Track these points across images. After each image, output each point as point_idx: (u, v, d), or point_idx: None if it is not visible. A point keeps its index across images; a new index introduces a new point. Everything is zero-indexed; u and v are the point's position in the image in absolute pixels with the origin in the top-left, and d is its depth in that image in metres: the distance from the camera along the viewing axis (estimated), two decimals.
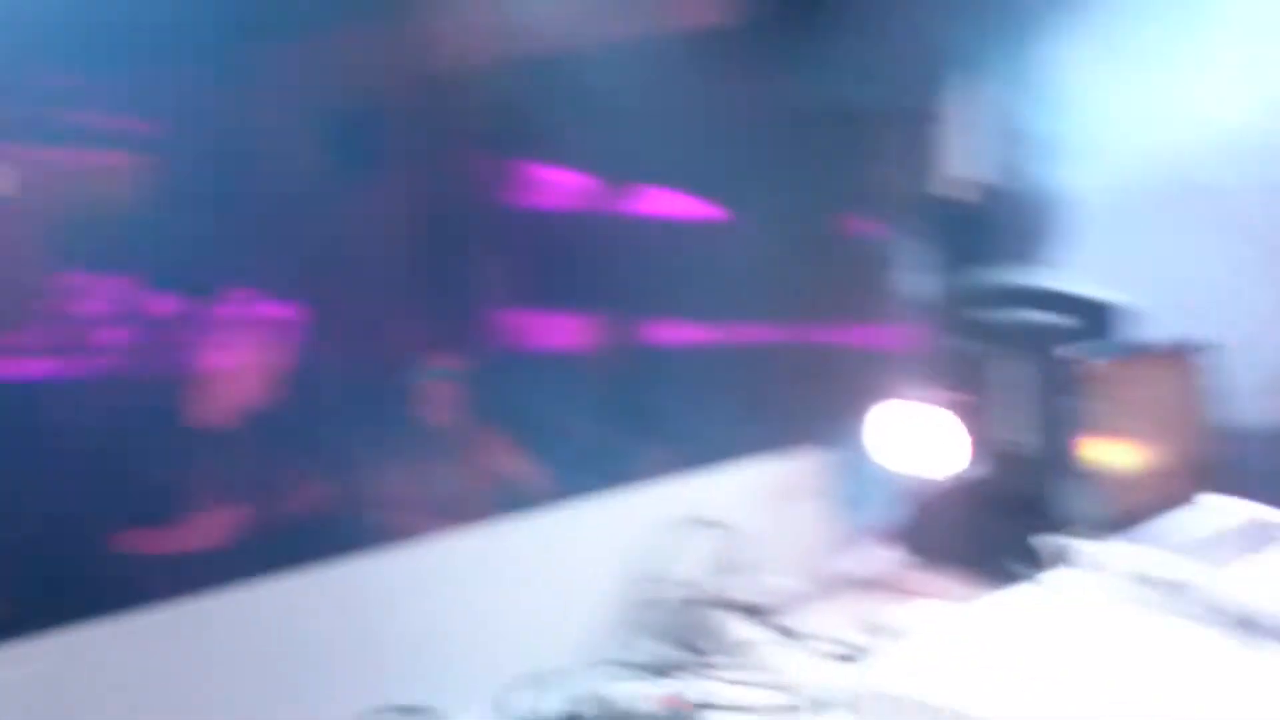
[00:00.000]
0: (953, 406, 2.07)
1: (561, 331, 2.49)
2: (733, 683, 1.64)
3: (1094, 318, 2.06)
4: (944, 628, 1.49)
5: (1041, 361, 1.88)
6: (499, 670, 1.54)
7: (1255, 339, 2.38)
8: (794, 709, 1.55)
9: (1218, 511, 1.80)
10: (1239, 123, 2.47)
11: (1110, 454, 1.68)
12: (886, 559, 2.21)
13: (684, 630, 1.75)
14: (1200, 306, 2.36)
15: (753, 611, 1.78)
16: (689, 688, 1.60)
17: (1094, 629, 1.49)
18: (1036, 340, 1.95)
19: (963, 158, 3.08)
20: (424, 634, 1.55)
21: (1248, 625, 1.48)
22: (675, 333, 2.59)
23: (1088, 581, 1.64)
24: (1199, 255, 2.57)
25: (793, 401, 2.31)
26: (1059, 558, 1.71)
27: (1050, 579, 1.68)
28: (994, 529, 1.99)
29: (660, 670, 1.67)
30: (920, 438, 2.10)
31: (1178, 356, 1.85)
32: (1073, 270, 2.74)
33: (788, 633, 1.72)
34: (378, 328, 2.22)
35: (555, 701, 1.49)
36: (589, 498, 1.83)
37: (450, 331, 2.36)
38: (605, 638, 1.73)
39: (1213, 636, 1.46)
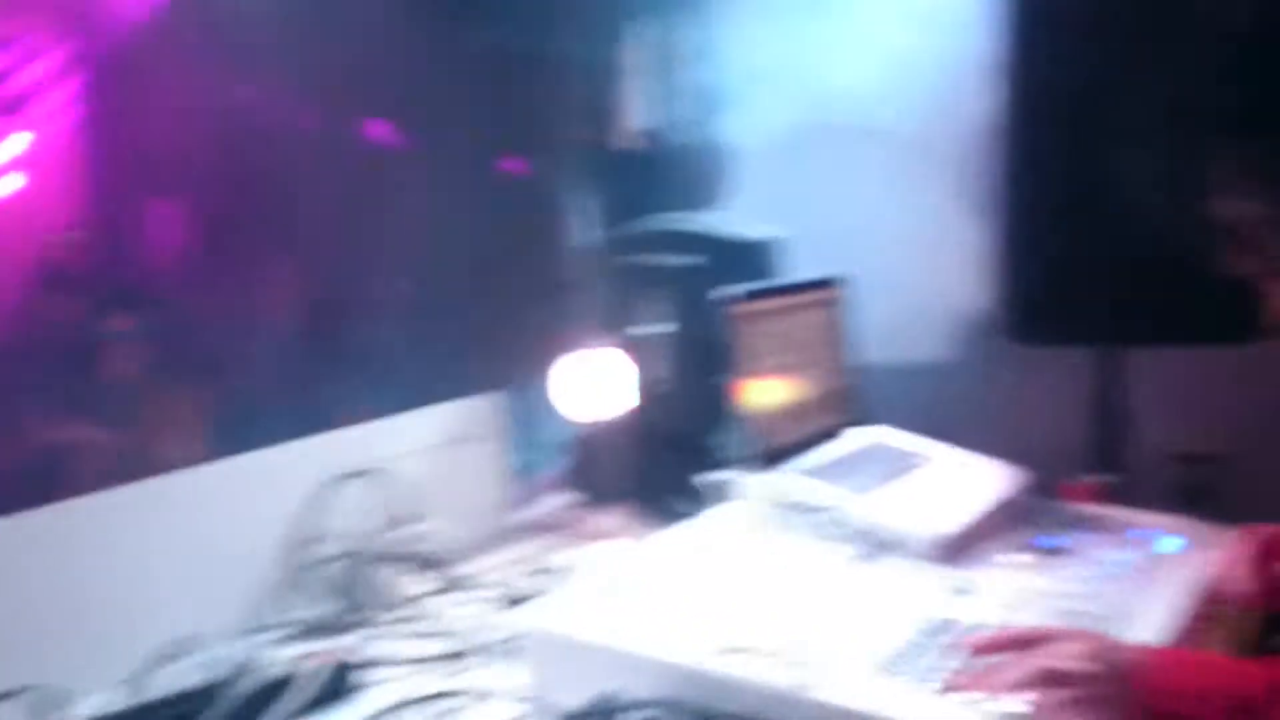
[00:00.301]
0: (615, 349, 2.10)
1: (242, 282, 2.35)
2: (398, 637, 1.60)
3: (751, 259, 2.14)
4: (606, 568, 1.50)
5: (695, 303, 1.94)
6: (142, 642, 1.42)
7: (899, 276, 2.55)
8: (459, 657, 1.53)
9: (862, 442, 1.91)
10: (894, 65, 2.63)
11: (760, 391, 1.74)
12: (558, 502, 2.22)
13: (347, 587, 1.69)
14: (851, 245, 2.51)
15: (420, 563, 1.74)
16: (351, 646, 1.55)
17: (747, 558, 1.55)
18: (691, 282, 2.01)
19: (633, 105, 3.13)
20: (57, 605, 1.41)
21: (885, 545, 1.58)
22: (357, 281, 2.50)
23: (744, 514, 1.70)
24: (852, 195, 2.73)
25: (465, 346, 2.28)
26: (718, 493, 1.76)
27: (710, 514, 1.74)
28: (658, 469, 2.04)
29: (321, 631, 1.61)
30: (587, 381, 2.12)
31: (821, 294, 1.94)
32: (735, 213, 2.85)
33: (456, 582, 1.69)
34: (53, 287, 2.03)
35: (198, 672, 1.39)
36: (250, 453, 1.72)
37: (128, 286, 2.19)
38: (264, 600, 1.64)
39: (852, 555, 1.55)
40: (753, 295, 1.74)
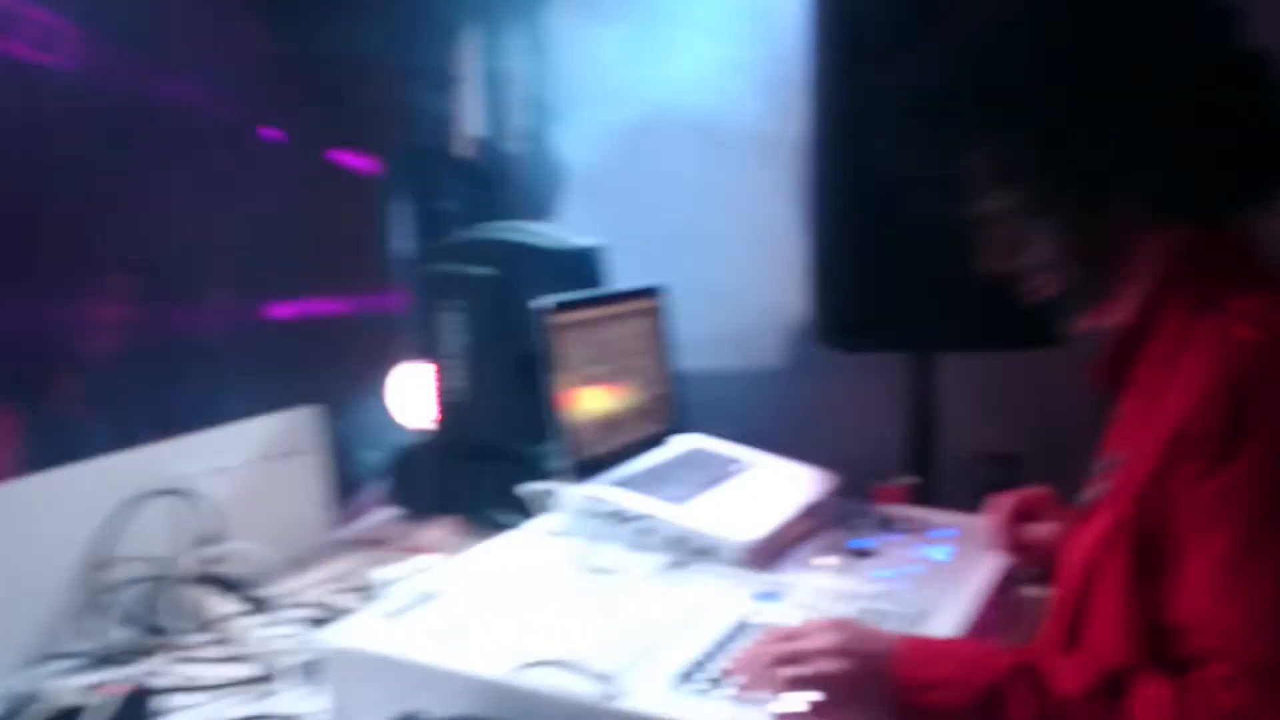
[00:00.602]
0: (430, 362, 2.08)
1: (41, 289, 2.23)
2: (202, 661, 1.55)
3: (573, 267, 2.14)
4: (415, 583, 1.48)
5: (508, 313, 1.94)
6: None
7: (719, 284, 2.59)
8: (266, 680, 1.49)
9: (681, 450, 1.94)
10: (719, 76, 2.67)
11: (579, 401, 1.75)
12: (380, 517, 2.19)
13: (149, 610, 1.62)
14: (674, 254, 2.54)
15: (227, 583, 1.68)
16: (151, 671, 1.49)
17: (560, 570, 1.55)
18: (504, 292, 2.00)
19: (467, 114, 3.11)
20: None
21: (697, 552, 1.60)
22: (170, 290, 2.40)
23: (560, 525, 1.70)
24: (676, 205, 2.77)
25: (285, 360, 2.22)
26: (539, 504, 1.76)
27: (529, 526, 1.73)
28: (480, 480, 2.03)
29: (120, 657, 1.54)
30: (408, 394, 2.09)
31: (641, 303, 1.95)
32: (563, 222, 2.85)
33: (265, 603, 1.64)
34: None
35: None
36: (47, 471, 1.64)
37: None
38: (59, 626, 1.57)
39: (665, 563, 1.57)
40: (570, 305, 1.74)
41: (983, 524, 1.69)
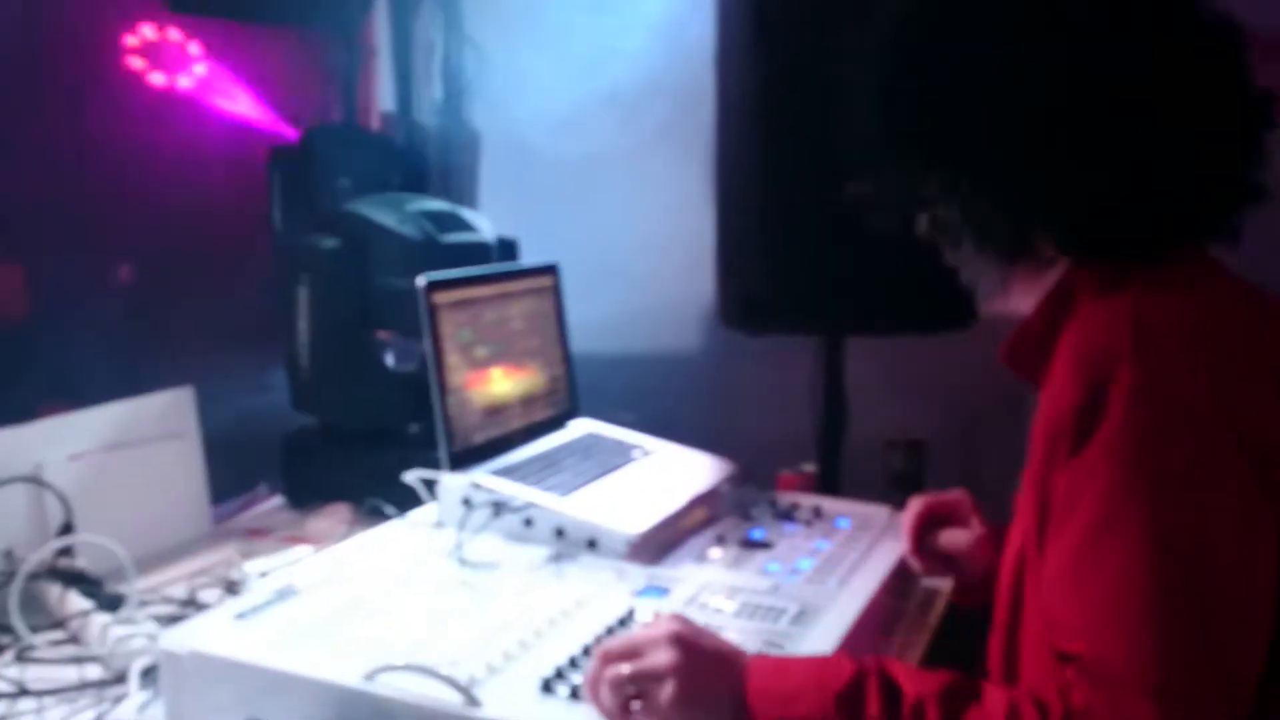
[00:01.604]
0: (295, 340, 1.97)
1: None
2: (48, 662, 1.45)
3: (472, 248, 2.05)
4: (279, 579, 1.39)
5: (366, 289, 1.85)
6: None
7: (623, 266, 2.52)
8: (115, 684, 1.39)
9: (574, 436, 1.86)
10: (636, 49, 2.60)
11: (466, 383, 1.66)
12: (265, 506, 2.09)
13: None
14: (579, 236, 2.46)
15: (82, 579, 1.57)
16: None
17: (434, 564, 1.46)
18: (359, 267, 1.91)
19: (377, 88, 3.01)
20: None
21: (582, 544, 1.52)
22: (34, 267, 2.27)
23: (441, 515, 1.61)
24: (585, 188, 2.69)
25: (157, 341, 2.11)
26: (423, 493, 1.67)
27: (414, 516, 1.65)
28: (365, 467, 1.93)
29: None
30: (288, 376, 1.99)
31: (533, 282, 1.87)
32: (466, 202, 2.76)
33: (120, 600, 1.53)
34: None
35: None
36: None
37: None
38: None
39: (548, 556, 1.49)
40: (450, 283, 1.65)
41: (889, 519, 1.65)
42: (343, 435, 2.03)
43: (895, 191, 1.17)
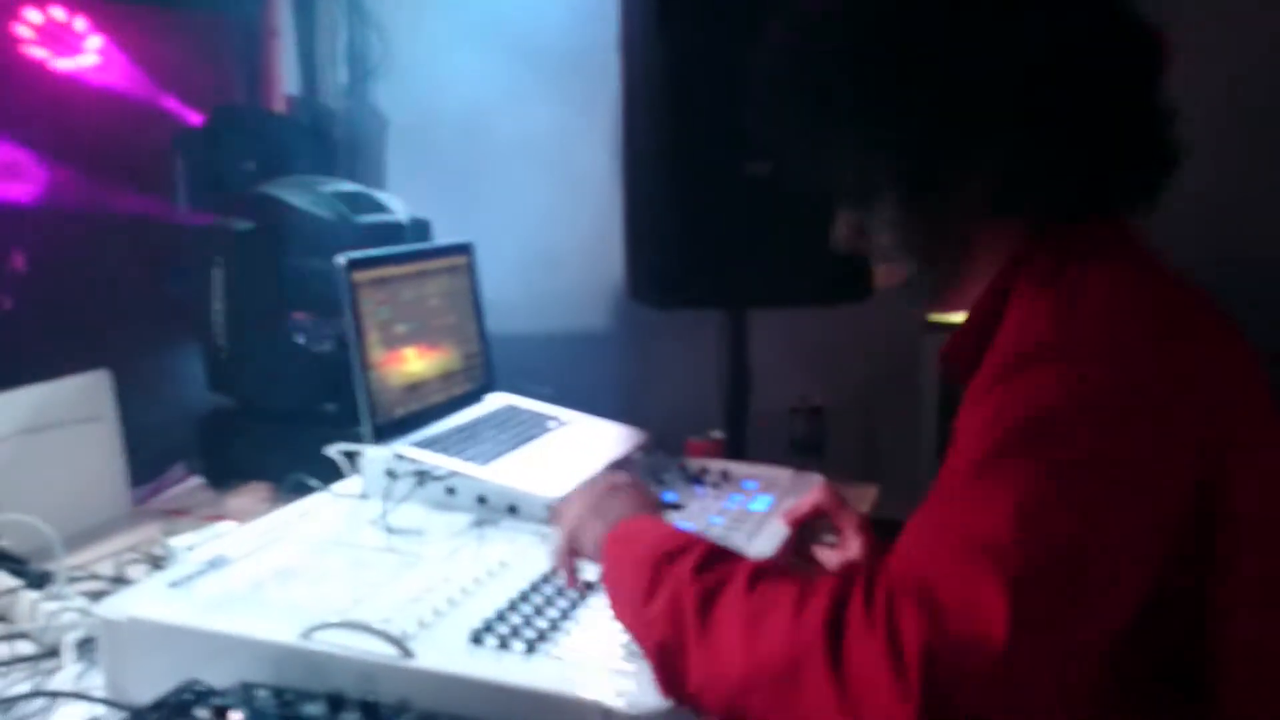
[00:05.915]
0: (210, 322, 2.00)
1: None
2: None
3: (384, 228, 2.09)
4: (205, 550, 1.43)
5: (278, 269, 1.89)
6: None
7: (537, 243, 2.58)
8: (47, 657, 1.42)
9: (490, 409, 1.92)
10: (546, 42, 2.64)
11: (385, 359, 1.71)
12: (183, 487, 2.11)
13: None
14: (492, 215, 2.51)
15: (6, 559, 1.59)
16: None
17: (360, 531, 1.52)
18: (272, 248, 1.94)
19: (281, 68, 3.01)
20: None
21: (502, 510, 1.58)
22: None
23: (364, 486, 1.66)
24: (494, 167, 2.74)
25: (70, 323, 2.11)
26: (345, 466, 1.72)
27: (334, 487, 1.69)
28: (284, 445, 1.96)
29: None
30: (206, 359, 2.01)
31: (449, 260, 1.92)
32: (381, 179, 2.80)
33: (46, 577, 1.56)
34: None
35: None
36: None
37: None
38: None
39: (469, 522, 1.55)
40: (368, 262, 1.69)
41: (792, 480, 1.75)
42: (260, 415, 2.06)
43: (812, 165, 1.15)
